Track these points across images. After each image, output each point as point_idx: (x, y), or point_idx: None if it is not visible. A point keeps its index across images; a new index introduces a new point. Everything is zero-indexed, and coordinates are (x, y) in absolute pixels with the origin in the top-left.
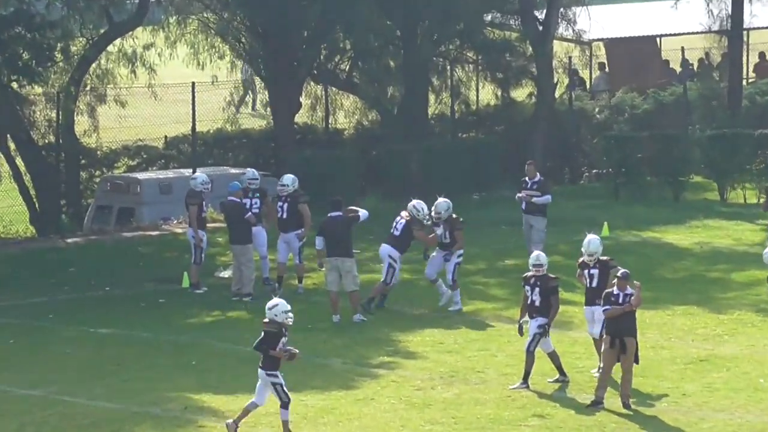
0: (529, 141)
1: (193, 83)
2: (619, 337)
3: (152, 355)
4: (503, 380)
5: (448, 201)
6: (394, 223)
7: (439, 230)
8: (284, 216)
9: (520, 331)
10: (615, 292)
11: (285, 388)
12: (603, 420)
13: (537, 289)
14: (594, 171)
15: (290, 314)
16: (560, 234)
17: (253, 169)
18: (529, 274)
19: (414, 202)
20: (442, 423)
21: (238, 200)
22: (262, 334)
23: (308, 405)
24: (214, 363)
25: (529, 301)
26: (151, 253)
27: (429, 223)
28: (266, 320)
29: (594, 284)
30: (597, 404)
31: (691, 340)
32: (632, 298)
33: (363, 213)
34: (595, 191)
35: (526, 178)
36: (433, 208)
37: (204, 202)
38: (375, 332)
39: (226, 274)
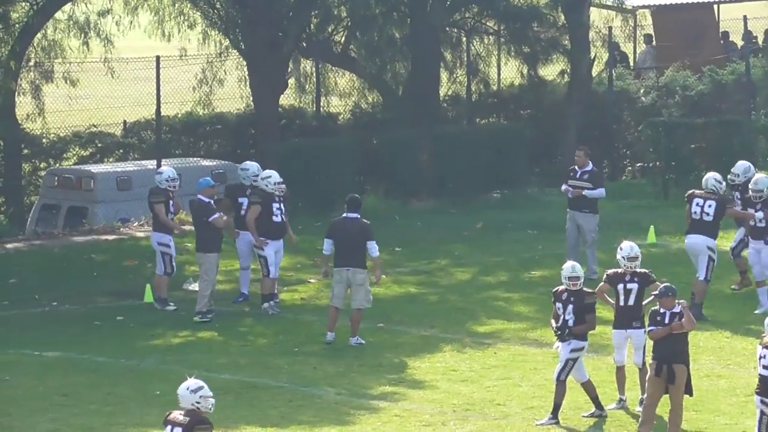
0: (560, 128)
1: (158, 57)
2: (667, 364)
3: (108, 384)
4: (528, 415)
5: None
6: (697, 208)
7: (759, 213)
8: (282, 219)
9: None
10: (661, 311)
11: None
12: None
13: (570, 307)
14: (639, 165)
15: None
16: (598, 240)
17: (255, 163)
18: (562, 288)
19: (712, 174)
20: None
21: (207, 199)
22: None
23: None
24: None
25: (560, 321)
26: (106, 261)
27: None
28: None
29: (631, 302)
30: None
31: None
32: (683, 318)
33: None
34: (640, 189)
35: (575, 167)
36: (751, 184)
37: (171, 201)
38: (375, 357)
39: (196, 286)
